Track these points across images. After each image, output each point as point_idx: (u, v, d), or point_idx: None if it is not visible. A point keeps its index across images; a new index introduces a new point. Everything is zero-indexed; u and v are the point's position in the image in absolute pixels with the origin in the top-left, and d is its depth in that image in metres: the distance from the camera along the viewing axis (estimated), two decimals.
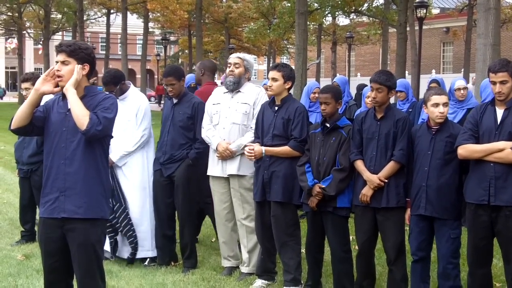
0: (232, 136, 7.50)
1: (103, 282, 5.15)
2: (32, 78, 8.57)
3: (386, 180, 6.32)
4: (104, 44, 55.92)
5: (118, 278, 7.47)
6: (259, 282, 7.26)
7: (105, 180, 5.15)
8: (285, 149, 6.98)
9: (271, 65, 13.45)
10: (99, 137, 4.94)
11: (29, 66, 79.13)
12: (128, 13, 48.33)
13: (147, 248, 8.18)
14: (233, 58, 7.74)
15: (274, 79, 7.06)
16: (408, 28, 28.92)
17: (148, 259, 8.12)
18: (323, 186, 6.58)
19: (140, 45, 58.00)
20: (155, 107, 43.44)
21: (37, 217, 8.50)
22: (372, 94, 6.48)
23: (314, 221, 6.87)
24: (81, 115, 4.84)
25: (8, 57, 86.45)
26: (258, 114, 7.29)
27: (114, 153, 7.96)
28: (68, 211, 4.96)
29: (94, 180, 5.03)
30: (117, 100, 7.92)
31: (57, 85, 5.03)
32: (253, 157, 7.10)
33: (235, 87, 7.57)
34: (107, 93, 5.19)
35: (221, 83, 7.83)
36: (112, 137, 5.16)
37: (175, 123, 7.92)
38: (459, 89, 9.41)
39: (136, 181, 8.10)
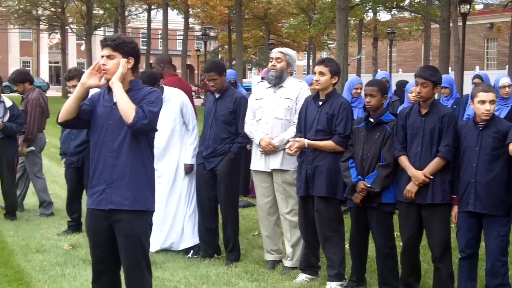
0: (275, 131, 7.53)
1: (149, 273, 5.21)
2: (77, 75, 8.69)
3: (431, 177, 6.27)
4: (145, 39, 56.26)
5: (163, 269, 7.55)
6: (302, 276, 7.27)
7: (151, 173, 5.20)
8: (328, 143, 6.97)
9: (316, 60, 13.29)
10: (144, 130, 4.99)
11: (72, 61, 79.98)
12: (169, 9, 48.53)
13: (187, 238, 8.29)
14: (275, 52, 7.74)
15: (321, 74, 7.04)
16: (451, 24, 28.63)
17: (191, 251, 8.20)
18: (368, 184, 6.57)
19: (181, 41, 58.23)
20: (195, 102, 43.52)
21: (84, 207, 8.70)
22: (417, 89, 6.44)
23: (358, 217, 6.85)
24: (127, 109, 4.90)
25: (51, 52, 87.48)
26: (301, 108, 7.28)
27: (185, 156, 8.22)
28: (115, 203, 5.03)
29: (140, 172, 5.09)
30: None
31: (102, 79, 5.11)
32: (293, 152, 7.11)
33: (277, 81, 7.57)
34: (151, 87, 5.23)
35: (262, 78, 7.85)
36: (157, 130, 5.20)
37: (218, 117, 7.97)
38: (504, 86, 9.32)
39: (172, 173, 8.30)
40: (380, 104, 6.75)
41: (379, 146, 6.65)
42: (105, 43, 5.10)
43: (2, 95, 9.98)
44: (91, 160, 5.20)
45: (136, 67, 5.18)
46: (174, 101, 8.28)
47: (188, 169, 8.29)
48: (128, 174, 5.04)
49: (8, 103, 9.92)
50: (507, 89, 9.31)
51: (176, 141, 8.32)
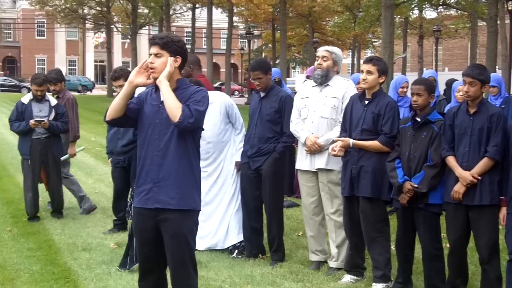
0: (321, 130, 7.48)
1: (195, 272, 5.20)
2: (123, 74, 8.72)
3: (480, 177, 6.18)
4: (189, 38, 56.48)
5: (208, 268, 7.56)
6: (347, 277, 7.22)
7: (197, 172, 5.19)
8: (374, 143, 6.91)
9: (361, 58, 13.21)
10: (191, 129, 4.98)
11: (117, 59, 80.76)
12: (213, 7, 48.70)
13: (232, 236, 8.31)
14: (321, 51, 7.68)
15: (369, 72, 6.97)
16: (498, 22, 28.27)
17: (236, 251, 8.21)
18: (415, 185, 6.50)
19: (224, 39, 58.44)
20: (239, 101, 43.63)
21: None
22: (465, 88, 6.34)
23: (405, 218, 6.78)
24: (174, 107, 4.89)
25: (97, 51, 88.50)
26: (346, 107, 7.21)
27: (236, 154, 8.26)
28: (161, 201, 5.04)
29: (186, 171, 5.08)
30: None
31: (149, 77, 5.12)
32: (337, 152, 7.07)
33: (323, 80, 7.52)
34: (198, 86, 5.22)
35: (307, 76, 7.80)
36: (203, 129, 5.20)
37: (263, 116, 7.94)
38: None
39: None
40: (427, 103, 6.66)
41: (426, 145, 6.57)
42: (153, 42, 5.10)
43: (47, 94, 10.09)
44: (138, 158, 5.21)
45: (183, 66, 5.18)
46: (217, 105, 8.28)
47: (240, 167, 8.29)
48: (174, 173, 5.04)
49: (53, 102, 10.02)
50: None
51: (222, 142, 8.33)
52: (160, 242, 5.12)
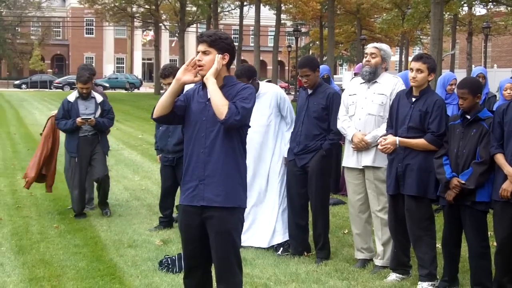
0: (368, 127, 7.43)
1: (240, 269, 5.19)
2: (172, 72, 8.72)
3: None
4: (237, 36, 56.58)
5: (253, 266, 7.57)
6: (393, 275, 7.17)
7: (243, 169, 5.18)
8: (421, 141, 6.84)
9: (409, 55, 12.97)
10: (237, 126, 4.97)
11: (165, 57, 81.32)
12: (261, 5, 48.70)
13: (278, 234, 8.29)
14: (370, 48, 7.63)
15: (419, 70, 6.89)
16: None
17: (281, 248, 8.18)
18: (463, 181, 6.41)
19: (272, 37, 58.39)
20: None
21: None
22: None
23: (452, 215, 6.71)
24: (220, 105, 4.89)
25: (144, 48, 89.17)
26: (393, 104, 7.16)
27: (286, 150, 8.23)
28: (207, 199, 5.03)
29: (232, 169, 5.07)
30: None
31: (197, 75, 5.11)
32: (387, 150, 7.00)
33: (371, 77, 7.47)
34: (245, 83, 5.20)
35: (355, 74, 7.75)
36: (249, 126, 5.18)
37: (310, 113, 7.91)
38: None
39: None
40: (474, 104, 6.56)
41: (475, 143, 6.49)
42: (201, 39, 5.09)
43: (92, 91, 10.17)
44: (184, 155, 5.22)
45: (231, 63, 5.17)
46: (269, 96, 8.29)
47: (287, 163, 8.28)
48: (220, 170, 5.03)
49: (99, 99, 10.10)
50: None
51: (271, 137, 8.32)
52: (205, 240, 5.12)
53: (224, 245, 5.06)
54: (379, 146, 7.11)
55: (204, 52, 5.05)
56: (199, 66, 5.04)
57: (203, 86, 5.09)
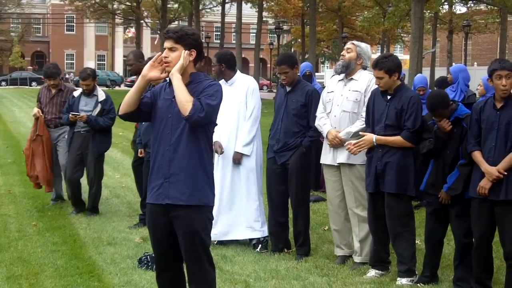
0: (343, 124, 7.46)
1: (212, 266, 5.13)
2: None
3: (506, 173, 6.12)
4: (219, 33, 56.52)
5: (232, 263, 7.56)
6: (372, 272, 7.19)
7: (209, 167, 5.10)
8: (397, 139, 6.88)
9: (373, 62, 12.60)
10: (201, 123, 4.90)
11: (146, 54, 79.67)
12: (243, 2, 48.68)
13: (254, 229, 8.25)
14: (347, 44, 7.74)
15: (379, 78, 6.95)
16: None
17: (260, 246, 8.18)
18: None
19: (254, 34, 58.43)
20: (267, 95, 43.62)
21: None
22: (503, 82, 6.21)
23: (437, 211, 6.76)
24: (184, 101, 4.82)
25: (126, 46, 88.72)
26: (368, 102, 7.20)
27: (237, 143, 8.15)
28: (171, 197, 4.96)
29: (197, 167, 4.99)
30: (227, 84, 8.00)
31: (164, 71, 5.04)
32: (358, 149, 7.03)
33: (343, 70, 7.51)
34: (212, 79, 5.16)
35: (335, 71, 7.76)
36: (216, 124, 5.13)
37: (289, 111, 7.92)
38: None
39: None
40: (450, 115, 6.62)
41: (458, 142, 6.56)
42: (167, 35, 5.03)
43: (98, 87, 10.16)
44: (151, 153, 5.16)
45: (198, 60, 5.10)
46: (243, 85, 8.22)
47: (237, 159, 8.19)
48: (185, 168, 4.96)
49: (101, 97, 10.03)
50: None
51: (241, 125, 8.25)
52: (173, 239, 5.05)
53: (193, 245, 5.00)
54: (349, 146, 7.13)
55: (171, 49, 4.99)
56: (166, 62, 4.99)
57: (170, 83, 5.01)
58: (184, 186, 4.96)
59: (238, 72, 8.38)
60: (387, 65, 6.91)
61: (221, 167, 8.20)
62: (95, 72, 10.35)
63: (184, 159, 4.96)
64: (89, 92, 10.02)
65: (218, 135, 8.07)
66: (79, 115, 9.79)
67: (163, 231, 5.08)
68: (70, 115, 9.83)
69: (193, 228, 4.98)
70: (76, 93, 10.15)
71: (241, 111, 8.18)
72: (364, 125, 7.22)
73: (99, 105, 9.95)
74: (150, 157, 5.17)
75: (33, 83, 69.11)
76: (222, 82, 8.23)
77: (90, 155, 9.98)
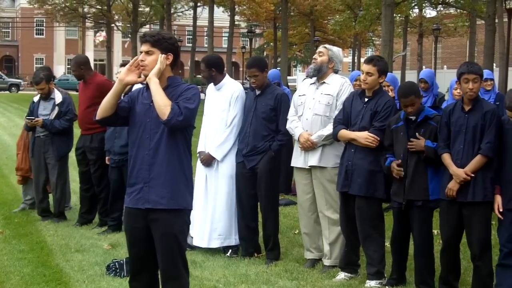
0: (315, 127, 7.46)
1: (187, 272, 5.16)
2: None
3: (473, 175, 6.18)
4: (191, 37, 56.40)
5: (202, 268, 7.52)
6: (342, 275, 7.20)
7: (188, 171, 5.11)
8: (363, 134, 6.95)
9: (361, 57, 12.95)
10: (180, 127, 4.91)
11: (117, 58, 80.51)
12: (215, 6, 48.62)
13: (225, 237, 8.19)
14: (319, 48, 7.76)
15: (369, 73, 6.98)
16: (496, 20, 28.24)
17: (230, 250, 8.14)
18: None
19: (226, 38, 58.34)
20: None
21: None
22: (469, 86, 6.25)
23: (401, 213, 6.78)
24: (162, 105, 4.82)
25: (97, 49, 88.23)
26: (346, 102, 7.23)
27: (211, 145, 8.10)
28: (152, 201, 4.97)
29: (176, 170, 5.01)
30: (215, 88, 7.92)
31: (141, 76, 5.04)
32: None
33: (315, 73, 7.52)
34: (189, 84, 5.15)
35: (307, 75, 7.76)
36: (194, 127, 5.13)
37: (258, 114, 7.91)
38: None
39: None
40: (420, 107, 6.66)
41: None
42: (144, 39, 5.04)
43: (55, 90, 10.00)
44: (129, 158, 5.14)
45: (175, 64, 5.11)
46: (228, 92, 8.16)
47: (205, 160, 8.14)
48: (164, 172, 4.98)
49: (58, 100, 9.88)
50: None
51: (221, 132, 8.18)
52: (150, 242, 5.06)
53: (169, 248, 5.01)
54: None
55: (147, 52, 4.99)
56: (142, 66, 4.98)
57: (147, 87, 5.01)
58: (164, 190, 4.97)
59: (227, 76, 8.32)
60: (381, 65, 7.02)
61: (199, 172, 8.17)
62: (50, 75, 10.02)
63: (164, 163, 4.97)
64: (46, 96, 9.89)
65: (203, 144, 8.16)
66: (33, 119, 9.70)
67: (141, 234, 5.07)
68: (26, 120, 9.76)
69: (171, 231, 4.99)
70: (35, 98, 10.04)
71: (223, 119, 8.14)
72: None
73: (56, 108, 9.83)
74: (128, 161, 5.15)
75: None
76: (210, 86, 8.21)
77: (50, 159, 9.86)
